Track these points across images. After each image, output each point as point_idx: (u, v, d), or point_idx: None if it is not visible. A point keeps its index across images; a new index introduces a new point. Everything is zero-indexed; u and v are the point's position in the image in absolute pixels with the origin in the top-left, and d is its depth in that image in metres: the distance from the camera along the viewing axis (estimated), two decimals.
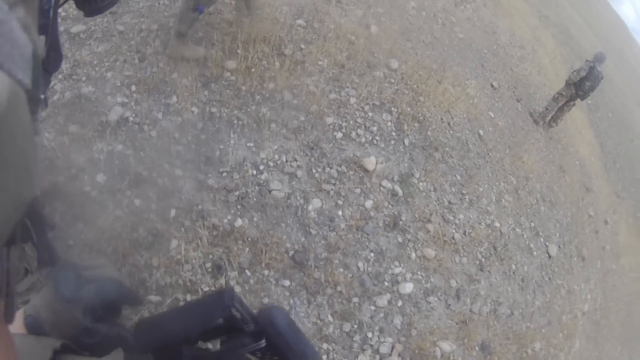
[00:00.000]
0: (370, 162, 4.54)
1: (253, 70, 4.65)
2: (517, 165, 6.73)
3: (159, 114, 3.96)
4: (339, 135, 4.63)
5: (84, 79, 3.96)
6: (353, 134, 4.73)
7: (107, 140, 3.60)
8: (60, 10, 4.04)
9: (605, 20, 33.54)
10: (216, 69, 4.51)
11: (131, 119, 3.82)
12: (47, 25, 0.73)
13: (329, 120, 4.69)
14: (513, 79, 9.04)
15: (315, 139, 4.46)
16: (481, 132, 6.41)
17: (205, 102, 4.23)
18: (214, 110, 4.20)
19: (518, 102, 8.58)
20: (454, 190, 5.21)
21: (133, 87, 4.05)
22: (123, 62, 4.22)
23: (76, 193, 3.23)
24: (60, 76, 3.92)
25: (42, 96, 0.75)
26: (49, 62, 0.78)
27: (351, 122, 4.81)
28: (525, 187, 6.59)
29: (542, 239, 6.27)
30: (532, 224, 6.23)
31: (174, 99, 4.11)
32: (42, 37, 0.67)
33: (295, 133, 4.42)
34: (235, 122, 4.21)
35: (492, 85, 7.93)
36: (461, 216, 5.06)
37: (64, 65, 4.03)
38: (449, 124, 5.88)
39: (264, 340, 0.75)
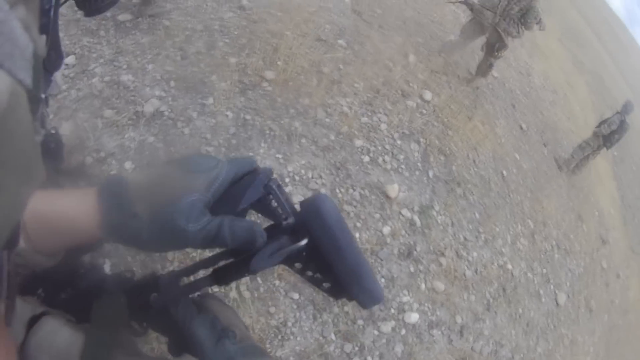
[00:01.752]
0: (393, 189, 4.53)
1: (290, 83, 4.69)
2: (536, 209, 6.65)
3: (194, 113, 4.00)
4: (366, 159, 4.64)
5: (124, 66, 4.02)
6: (380, 160, 4.72)
7: (140, 131, 3.64)
8: None
9: None
10: (255, 77, 4.55)
11: (166, 113, 3.86)
12: (48, 24, 0.72)
13: (358, 142, 4.70)
14: (542, 122, 8.96)
15: (343, 160, 4.46)
16: (505, 172, 6.36)
17: (240, 108, 4.26)
18: (248, 117, 4.23)
19: (545, 146, 8.49)
20: (471, 227, 5.17)
21: (172, 83, 4.10)
22: (165, 57, 4.28)
23: (102, 176, 3.24)
24: (101, 60, 3.98)
25: (43, 96, 0.74)
26: (49, 61, 0.76)
27: (379, 148, 4.82)
28: (542, 232, 6.51)
29: (552, 286, 6.16)
30: (544, 270, 6.13)
31: (211, 100, 4.15)
32: (43, 37, 0.66)
33: (323, 151, 4.43)
34: (267, 132, 4.24)
35: (520, 127, 7.87)
36: (475, 254, 5.01)
37: (107, 50, 4.09)
38: (474, 161, 5.85)
39: (306, 240, 0.63)
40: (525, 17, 6.13)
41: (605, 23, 30.88)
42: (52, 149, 1.09)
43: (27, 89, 0.38)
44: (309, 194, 4.07)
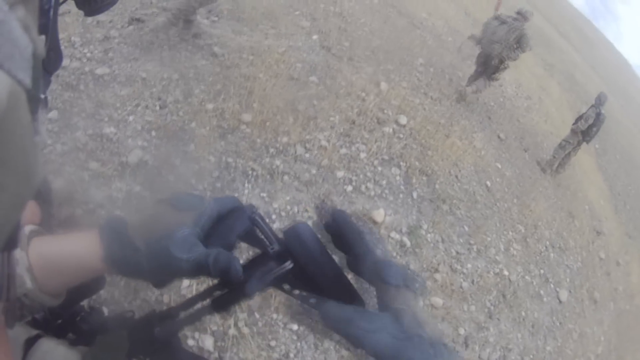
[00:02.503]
0: (379, 215, 4.59)
1: (268, 123, 4.77)
2: (525, 214, 6.69)
3: (177, 159, 4.05)
4: (349, 188, 4.71)
5: (106, 119, 4.07)
6: (363, 188, 4.79)
7: (126, 181, 3.68)
8: (85, 51, 4.19)
9: (610, 62, 33.42)
10: (233, 120, 4.63)
11: (150, 162, 3.91)
12: (47, 25, 0.72)
13: (340, 174, 4.77)
14: (520, 129, 9.06)
15: (326, 192, 4.53)
16: (488, 183, 6.43)
17: (221, 152, 4.32)
18: (230, 160, 4.29)
19: (525, 152, 8.57)
20: (461, 240, 5.21)
21: (153, 133, 4.16)
22: (144, 108, 4.35)
23: (93, 227, 3.27)
24: (83, 114, 4.03)
25: (43, 96, 0.73)
26: (49, 62, 0.77)
27: (361, 176, 4.89)
28: (533, 235, 6.54)
29: (552, 285, 6.17)
30: (542, 271, 6.15)
31: (192, 146, 4.20)
32: (42, 37, 0.66)
33: (307, 185, 4.49)
34: (250, 172, 4.30)
35: (499, 137, 7.97)
36: (469, 265, 5.04)
37: (88, 104, 4.14)
38: (456, 176, 5.92)
39: (290, 262, 0.68)
40: (520, 43, 7.49)
41: (569, 22, 31.37)
42: (41, 192, 1.09)
43: (26, 89, 0.38)
44: None
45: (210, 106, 4.68)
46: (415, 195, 5.16)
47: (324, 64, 6.21)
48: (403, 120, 6.00)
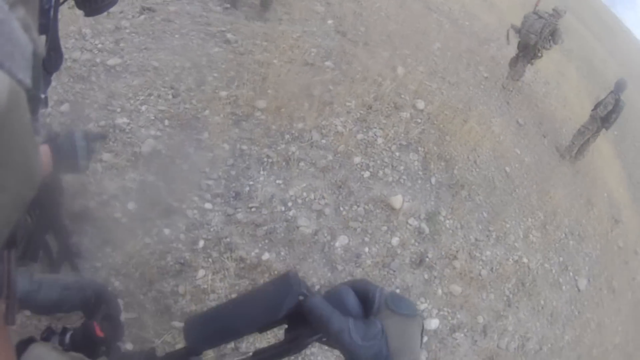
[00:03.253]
0: (397, 201, 4.45)
1: (283, 110, 4.67)
2: (544, 200, 6.50)
3: (191, 148, 3.99)
4: (367, 174, 4.58)
5: (118, 110, 4.02)
6: (380, 173, 4.66)
7: (140, 171, 3.63)
8: (96, 42, 4.13)
9: (629, 49, 32.70)
10: (247, 107, 4.54)
11: (164, 151, 3.86)
12: (47, 24, 0.72)
13: (357, 159, 4.64)
14: (538, 115, 8.82)
15: (343, 178, 4.41)
16: (507, 169, 6.24)
17: (235, 139, 4.25)
18: (244, 147, 4.21)
19: (544, 137, 8.34)
20: (480, 227, 5.06)
21: (166, 122, 4.10)
22: (157, 97, 4.28)
23: (106, 218, 3.25)
24: (95, 105, 3.98)
25: (43, 96, 0.74)
26: (49, 61, 0.77)
27: (378, 162, 4.76)
28: (552, 222, 6.35)
29: (571, 273, 6.00)
30: (561, 259, 5.97)
31: (206, 135, 4.14)
32: (43, 37, 0.65)
33: (323, 172, 4.38)
34: (265, 159, 4.21)
35: (517, 122, 7.75)
36: (488, 253, 4.90)
37: (100, 95, 4.10)
38: (475, 162, 5.75)
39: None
40: (554, 36, 8.29)
41: (588, 8, 30.73)
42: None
43: (26, 89, 0.38)
44: (313, 215, 4.02)
45: (223, 93, 4.59)
46: (433, 180, 5.00)
47: (340, 48, 6.06)
48: (420, 105, 5.83)
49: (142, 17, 5.17)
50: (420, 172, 4.98)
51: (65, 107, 3.85)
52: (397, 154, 4.97)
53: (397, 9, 7.87)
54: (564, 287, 5.68)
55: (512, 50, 8.94)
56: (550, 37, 8.32)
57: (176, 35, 5.08)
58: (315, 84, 5.19)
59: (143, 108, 4.12)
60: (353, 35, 6.52)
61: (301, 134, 4.57)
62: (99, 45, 4.57)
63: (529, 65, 8.76)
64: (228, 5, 5.94)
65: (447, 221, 4.77)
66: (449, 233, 4.69)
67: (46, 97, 0.79)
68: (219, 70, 4.84)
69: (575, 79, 13.03)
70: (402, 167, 4.85)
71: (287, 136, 4.50)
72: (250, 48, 5.24)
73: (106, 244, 3.09)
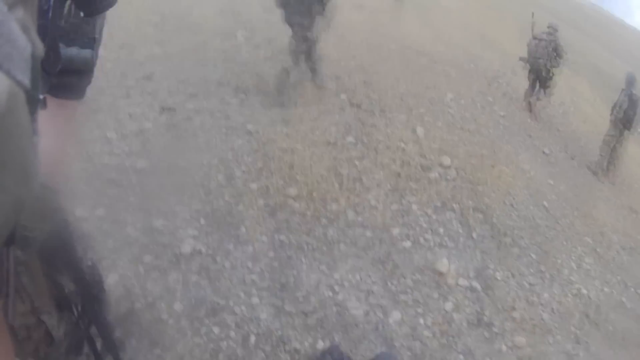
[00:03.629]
0: (443, 265, 4.46)
1: (314, 194, 4.74)
2: (588, 224, 6.38)
3: (230, 245, 4.02)
4: (408, 244, 4.60)
5: (154, 212, 4.06)
6: (421, 240, 4.69)
7: (182, 271, 3.66)
8: (123, 145, 4.27)
9: (627, 39, 32.27)
10: (279, 197, 4.61)
11: (203, 250, 3.89)
12: (46, 25, 0.72)
13: (395, 231, 4.68)
14: (562, 138, 8.77)
15: (385, 252, 4.44)
16: (545, 203, 6.18)
17: (273, 231, 4.28)
18: (282, 237, 4.25)
19: (572, 160, 8.26)
20: (532, 270, 4.99)
21: (202, 220, 4.14)
22: (190, 196, 4.33)
23: (153, 320, 3.26)
24: (130, 209, 4.02)
25: (41, 97, 0.71)
26: (48, 62, 0.77)
27: (417, 229, 4.79)
28: (602, 243, 6.20)
29: (632, 289, 5.78)
30: (619, 277, 5.76)
31: (243, 229, 4.18)
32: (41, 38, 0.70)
33: (364, 250, 4.41)
34: (305, 247, 4.25)
35: (543, 152, 7.70)
36: (545, 295, 4.80)
37: (133, 199, 4.14)
38: (512, 205, 5.72)
39: None
40: (557, 52, 8.55)
41: (579, 11, 30.80)
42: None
43: (25, 90, 0.38)
44: (362, 295, 4.02)
45: (254, 186, 4.69)
46: (474, 235, 5.00)
47: (357, 121, 6.20)
48: (447, 161, 5.88)
49: (164, 117, 5.30)
50: (461, 230, 4.99)
51: (100, 212, 3.89)
52: (434, 216, 5.00)
53: (404, 70, 8.03)
54: (628, 306, 5.46)
55: (521, 82, 9.02)
56: (555, 54, 8.60)
57: (199, 132, 5.20)
58: (342, 162, 5.29)
59: (178, 208, 4.17)
60: (367, 105, 6.66)
61: (337, 216, 4.64)
62: (126, 149, 4.66)
63: (543, 94, 8.96)
64: (244, 96, 6.09)
65: (497, 273, 4.73)
66: (502, 285, 4.64)
67: (44, 98, 0.77)
68: (246, 163, 4.94)
69: (587, 90, 12.94)
70: (441, 230, 4.88)
71: (323, 220, 4.56)
72: (272, 136, 5.36)
73: (155, 345, 3.09)
